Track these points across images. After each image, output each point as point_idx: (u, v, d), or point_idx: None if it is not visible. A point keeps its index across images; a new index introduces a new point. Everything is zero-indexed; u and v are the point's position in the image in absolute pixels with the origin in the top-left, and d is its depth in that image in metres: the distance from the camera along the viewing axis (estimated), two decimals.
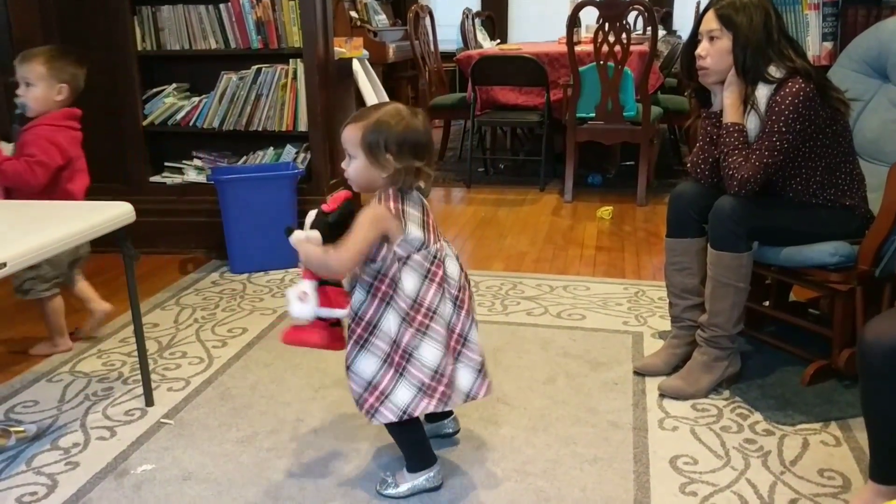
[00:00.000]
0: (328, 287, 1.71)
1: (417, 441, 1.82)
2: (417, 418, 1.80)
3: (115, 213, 2.05)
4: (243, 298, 3.07)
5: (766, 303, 2.65)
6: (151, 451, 2.01)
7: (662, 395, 2.24)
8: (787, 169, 2.16)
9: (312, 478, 1.89)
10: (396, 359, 1.68)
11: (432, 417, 2.03)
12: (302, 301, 1.68)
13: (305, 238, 1.66)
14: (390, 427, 1.79)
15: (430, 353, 1.68)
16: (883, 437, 1.56)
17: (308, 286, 1.68)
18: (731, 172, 2.12)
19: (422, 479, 1.80)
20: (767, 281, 2.59)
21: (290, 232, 1.68)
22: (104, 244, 2.11)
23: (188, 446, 2.03)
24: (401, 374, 1.68)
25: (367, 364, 1.70)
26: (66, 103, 2.47)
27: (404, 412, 1.69)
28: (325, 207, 1.72)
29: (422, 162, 1.66)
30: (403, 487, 1.80)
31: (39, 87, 2.40)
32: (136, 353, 2.34)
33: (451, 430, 2.03)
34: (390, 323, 1.67)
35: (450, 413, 2.03)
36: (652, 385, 2.29)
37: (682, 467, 1.90)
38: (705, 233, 2.25)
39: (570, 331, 2.72)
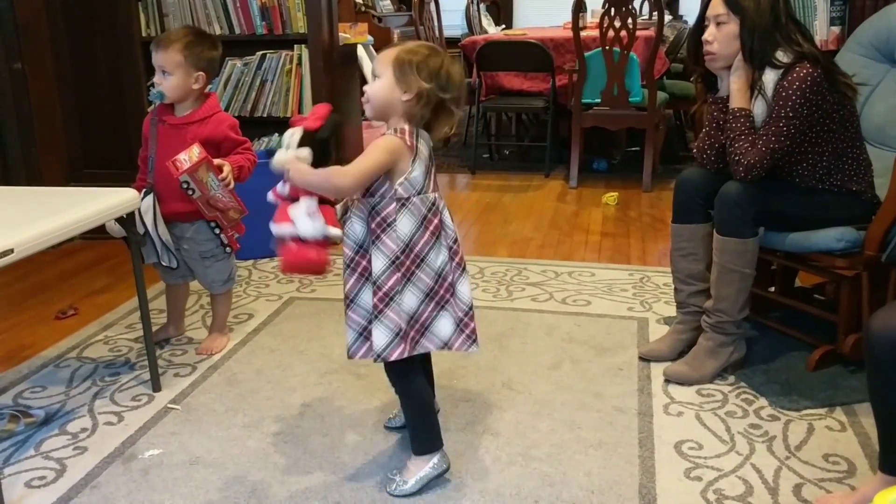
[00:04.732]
0: (326, 206, 1.66)
1: (429, 418, 1.79)
2: (430, 397, 1.80)
3: (121, 199, 2.05)
4: (249, 284, 3.08)
5: (772, 288, 2.64)
6: (159, 436, 2.02)
7: (667, 381, 2.24)
8: (793, 154, 2.15)
9: (318, 462, 1.90)
10: (374, 300, 1.65)
11: None
12: (312, 218, 1.62)
13: (295, 157, 1.62)
14: (403, 400, 1.80)
15: (410, 298, 1.66)
16: (893, 429, 1.55)
17: (314, 203, 1.62)
18: (737, 158, 2.12)
19: (428, 466, 1.77)
20: (773, 266, 2.58)
21: (271, 155, 1.62)
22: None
23: (195, 431, 2.05)
24: (376, 317, 1.65)
25: (368, 297, 1.68)
26: (202, 90, 2.36)
27: (379, 355, 1.67)
28: (307, 125, 1.64)
29: (447, 95, 1.63)
30: (412, 482, 1.76)
31: (177, 75, 2.27)
32: (142, 339, 2.35)
33: None
34: (375, 260, 1.64)
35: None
36: (657, 370, 2.30)
37: (686, 452, 1.91)
38: (711, 218, 2.25)
39: (575, 316, 2.72)
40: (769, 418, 2.05)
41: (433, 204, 1.67)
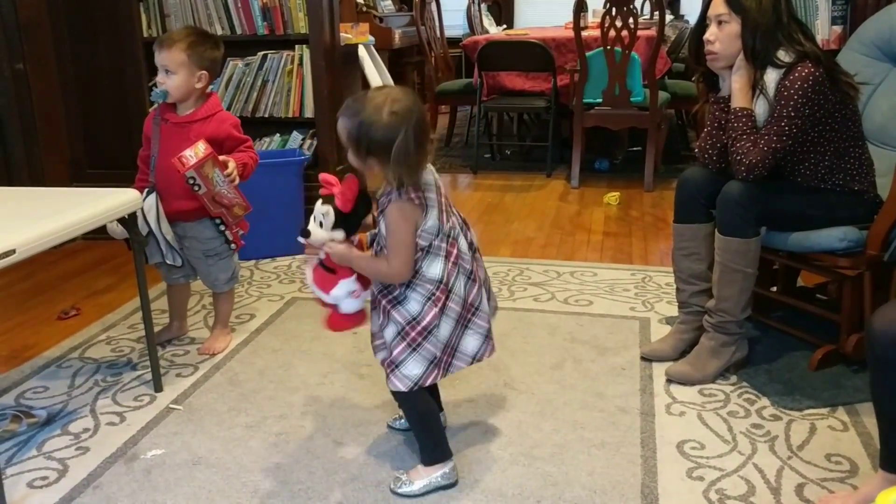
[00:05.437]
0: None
1: (434, 430, 1.81)
2: (435, 410, 1.83)
3: (123, 199, 2.05)
4: (251, 284, 3.08)
5: (774, 288, 2.64)
6: (161, 437, 2.03)
7: (670, 381, 2.24)
8: (795, 154, 2.15)
9: (321, 462, 1.90)
10: (413, 334, 1.68)
11: None
12: (354, 297, 1.75)
13: (329, 238, 1.69)
14: (408, 414, 1.81)
15: (445, 329, 1.70)
16: (894, 426, 1.55)
17: (353, 282, 1.73)
18: (739, 157, 2.12)
19: (437, 474, 1.77)
20: (775, 266, 2.58)
21: (306, 234, 1.69)
22: None
23: (197, 431, 2.05)
24: (414, 349, 1.69)
25: (388, 332, 1.72)
26: (204, 90, 2.36)
27: (415, 384, 1.70)
28: (339, 204, 1.69)
29: (412, 158, 1.58)
30: (418, 484, 1.77)
31: (180, 74, 2.27)
32: (144, 339, 2.36)
33: None
34: (412, 304, 1.68)
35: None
36: (659, 370, 2.30)
37: (689, 452, 1.91)
38: (713, 218, 2.25)
39: (578, 316, 2.72)
40: (771, 418, 2.05)
41: (448, 235, 1.70)
